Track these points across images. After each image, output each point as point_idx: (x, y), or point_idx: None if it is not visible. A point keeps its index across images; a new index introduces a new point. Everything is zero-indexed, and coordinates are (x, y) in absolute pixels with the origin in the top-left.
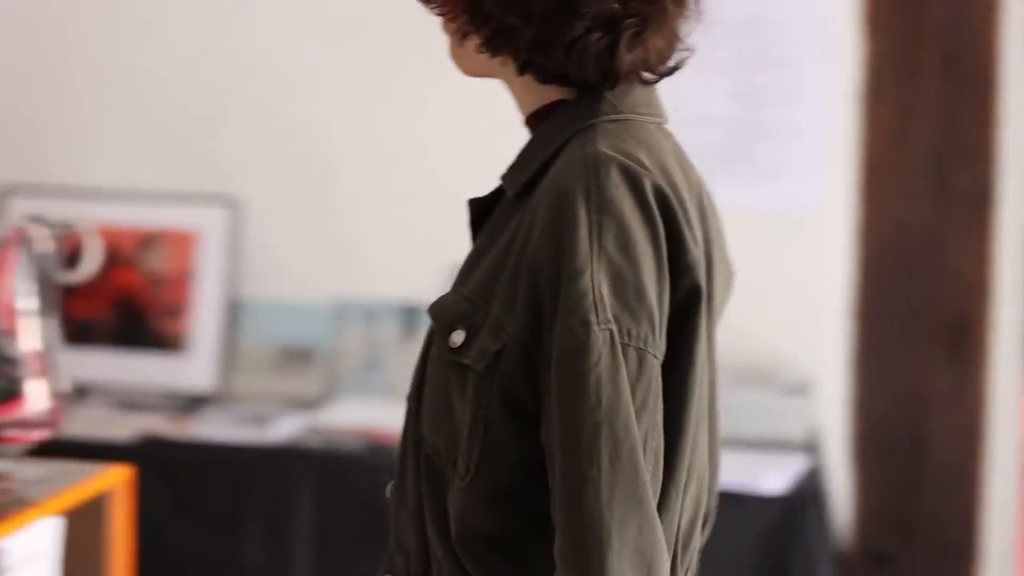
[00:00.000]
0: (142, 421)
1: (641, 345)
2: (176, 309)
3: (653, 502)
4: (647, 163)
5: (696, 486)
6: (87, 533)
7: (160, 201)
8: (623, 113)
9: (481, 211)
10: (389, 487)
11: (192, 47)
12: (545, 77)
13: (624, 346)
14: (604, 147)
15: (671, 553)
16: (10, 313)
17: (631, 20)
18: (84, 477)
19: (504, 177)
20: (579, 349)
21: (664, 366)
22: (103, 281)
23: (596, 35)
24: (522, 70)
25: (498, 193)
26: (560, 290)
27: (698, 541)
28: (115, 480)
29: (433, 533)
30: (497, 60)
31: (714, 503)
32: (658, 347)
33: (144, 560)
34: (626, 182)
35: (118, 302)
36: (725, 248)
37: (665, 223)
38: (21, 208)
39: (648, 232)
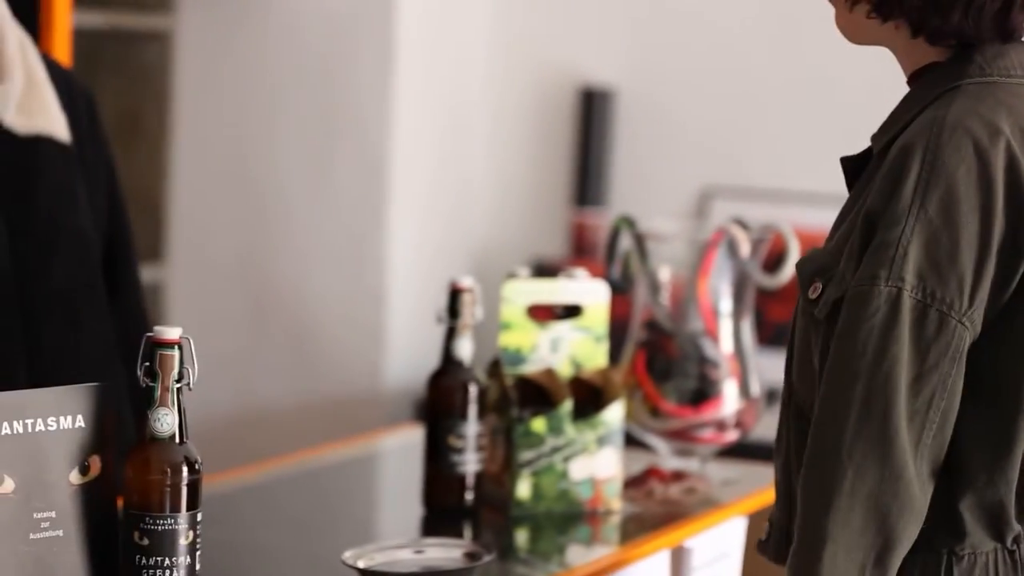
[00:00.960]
0: None
1: (944, 309)
2: None
3: (909, 462)
4: (1005, 127)
5: None
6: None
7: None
8: (991, 76)
9: (856, 169)
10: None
11: None
12: (938, 38)
13: (924, 306)
14: (957, 110)
15: (1015, 510)
16: (710, 314)
17: None
18: (770, 481)
19: (873, 136)
20: (860, 298)
21: (1002, 338)
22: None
23: None
24: (916, 33)
25: (869, 152)
26: (874, 237)
27: None
28: None
29: (796, 479)
30: (887, 25)
31: None
32: (969, 316)
33: None
34: (970, 147)
35: None
36: None
37: (1013, 193)
38: (722, 211)
39: (980, 200)
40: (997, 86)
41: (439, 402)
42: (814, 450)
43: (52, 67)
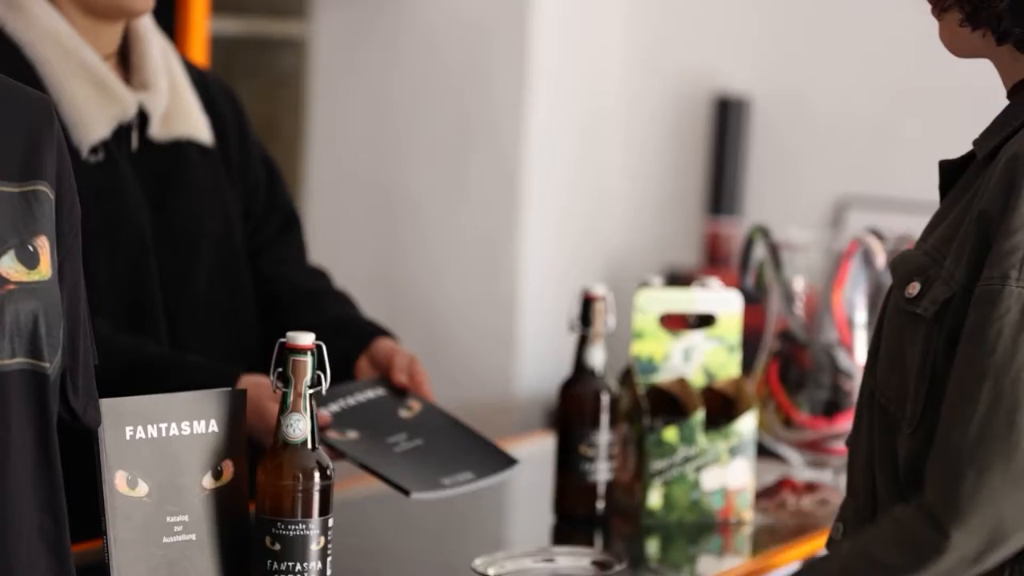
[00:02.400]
0: None
1: None
2: None
3: None
4: None
5: None
6: None
7: None
8: None
9: (952, 174)
10: (847, 438)
11: None
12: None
13: None
14: None
15: None
16: (845, 325)
17: None
18: None
19: (976, 142)
20: (991, 298)
21: None
22: None
23: None
24: (1001, 39)
25: (969, 157)
26: (995, 242)
27: None
28: None
29: (881, 479)
30: (978, 34)
31: None
32: None
33: None
34: None
35: None
36: None
37: None
38: (858, 221)
39: None
40: None
41: (571, 410)
42: (940, 445)
43: (192, 70)
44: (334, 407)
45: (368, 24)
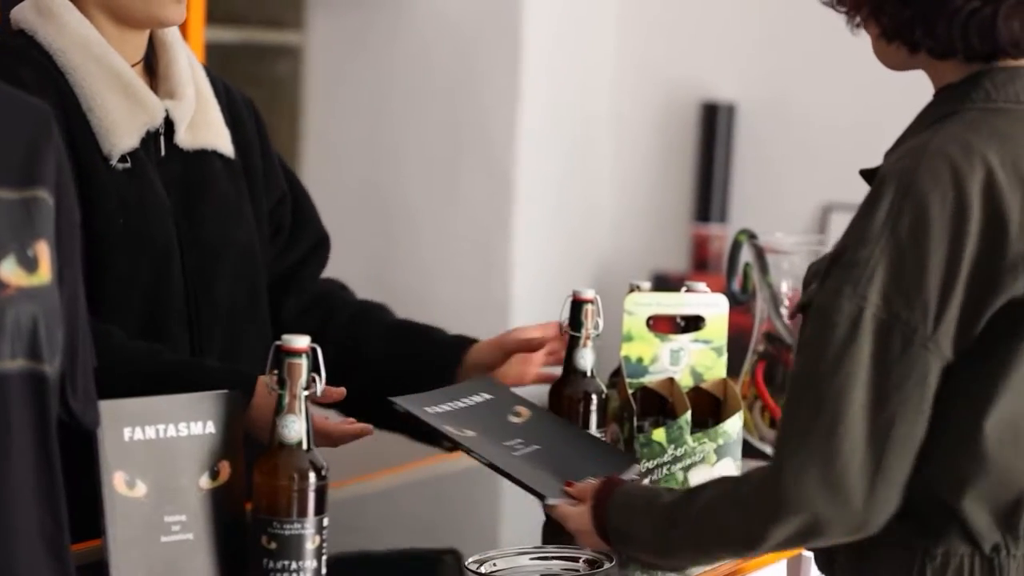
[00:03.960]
0: None
1: (908, 332)
2: None
3: (850, 477)
4: (993, 158)
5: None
6: None
7: None
8: (996, 102)
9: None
10: None
11: None
12: (937, 54)
13: (888, 328)
14: (944, 136)
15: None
16: None
17: None
18: None
19: (886, 153)
20: (822, 310)
21: (977, 363)
22: None
23: (975, 3)
24: (913, 50)
25: (875, 169)
26: (844, 255)
27: None
28: None
29: None
30: (895, 47)
31: None
32: (934, 340)
33: None
34: (947, 174)
35: None
36: None
37: (991, 222)
38: (842, 225)
39: (953, 228)
40: (999, 114)
41: (561, 411)
42: (774, 448)
43: (216, 81)
44: (443, 407)
45: (362, 33)
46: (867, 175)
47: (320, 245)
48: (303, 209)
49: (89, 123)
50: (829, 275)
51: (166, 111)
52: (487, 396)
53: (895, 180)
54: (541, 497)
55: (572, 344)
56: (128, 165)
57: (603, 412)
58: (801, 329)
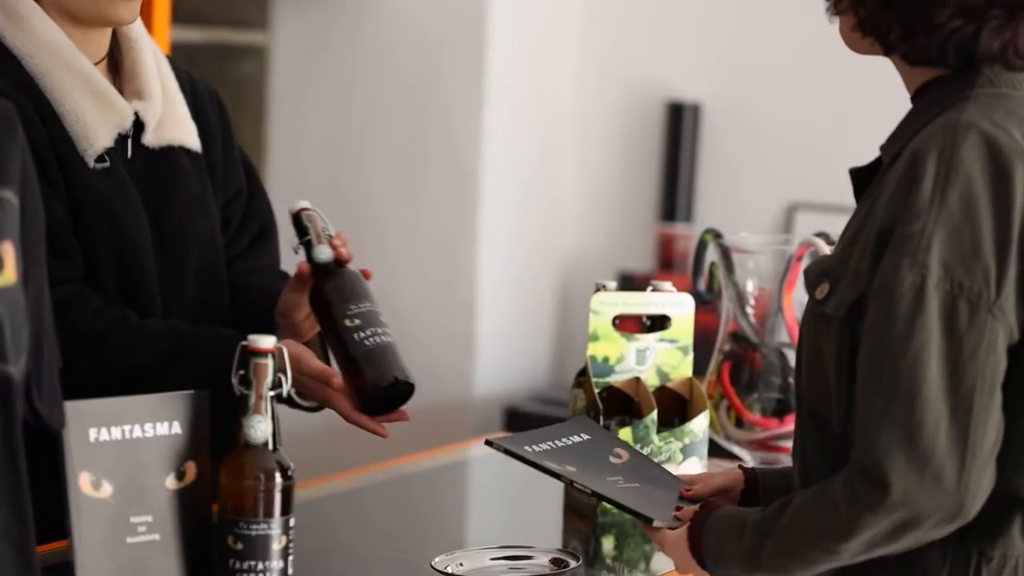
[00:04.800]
0: None
1: (973, 299)
2: None
3: (938, 450)
4: (1016, 135)
5: None
6: None
7: None
8: (1000, 87)
9: (863, 180)
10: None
11: None
12: (911, 60)
13: (953, 297)
14: (971, 114)
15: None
16: (795, 327)
17: (996, 11)
18: None
19: (883, 147)
20: (886, 287)
21: None
22: None
23: (958, 22)
24: (888, 52)
25: (878, 162)
26: (894, 232)
27: None
28: None
29: (816, 481)
30: (868, 40)
31: None
32: (999, 306)
33: None
34: (985, 147)
35: None
36: None
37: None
38: (807, 224)
39: (997, 197)
40: (1007, 98)
41: (321, 305)
42: (858, 435)
43: (180, 73)
44: (544, 446)
45: (327, 32)
46: (861, 171)
47: (261, 237)
48: (254, 202)
49: (64, 126)
50: (884, 255)
51: (135, 113)
52: (586, 436)
53: (935, 155)
54: (648, 520)
55: (307, 251)
56: (107, 164)
57: (342, 294)
58: (815, 325)
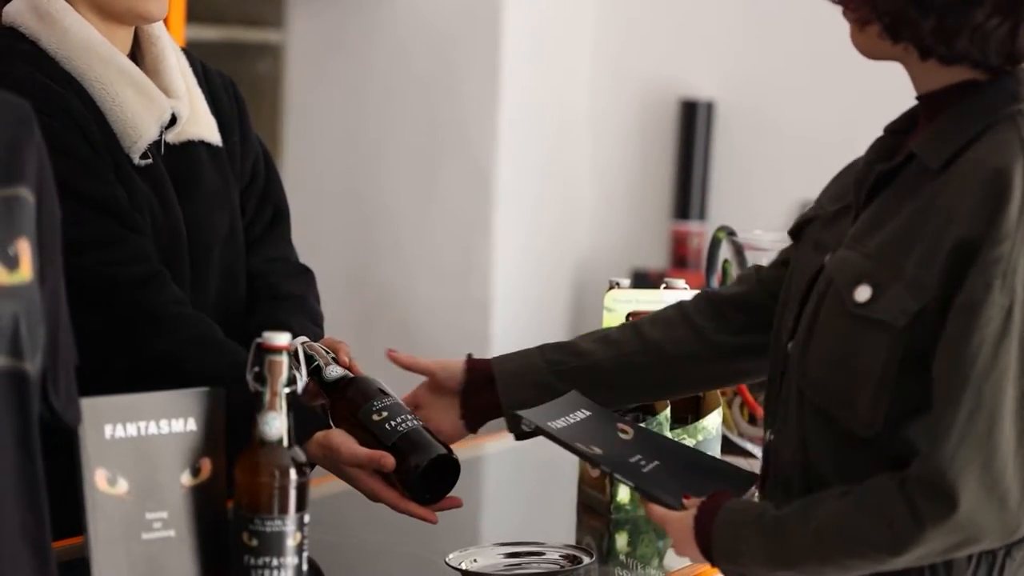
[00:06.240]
0: None
1: None
2: None
3: (1008, 471)
4: None
5: None
6: None
7: None
8: None
9: (885, 176)
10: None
11: None
12: (948, 61)
13: None
14: None
15: None
16: None
17: None
18: None
19: (922, 150)
20: (974, 307)
21: None
22: None
23: (996, 20)
24: (925, 56)
25: (906, 161)
26: (980, 252)
27: None
28: None
29: (816, 475)
30: (899, 46)
31: None
32: None
33: None
34: None
35: None
36: None
37: None
38: None
39: None
40: None
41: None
42: (928, 451)
43: (197, 66)
44: (559, 423)
45: (342, 31)
46: (887, 169)
47: (276, 222)
48: (269, 189)
49: (108, 123)
50: (967, 275)
51: (172, 108)
52: (587, 412)
53: (1018, 176)
54: (676, 507)
55: (319, 376)
56: (150, 161)
57: (364, 395)
58: (849, 325)
